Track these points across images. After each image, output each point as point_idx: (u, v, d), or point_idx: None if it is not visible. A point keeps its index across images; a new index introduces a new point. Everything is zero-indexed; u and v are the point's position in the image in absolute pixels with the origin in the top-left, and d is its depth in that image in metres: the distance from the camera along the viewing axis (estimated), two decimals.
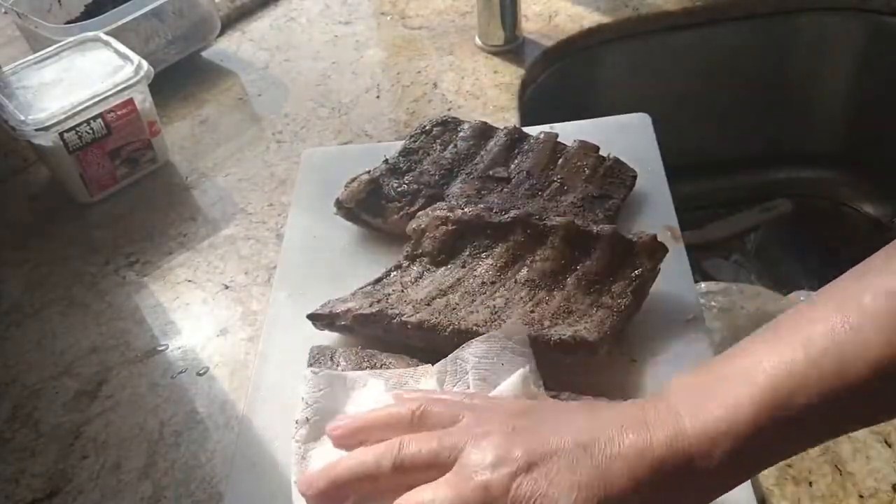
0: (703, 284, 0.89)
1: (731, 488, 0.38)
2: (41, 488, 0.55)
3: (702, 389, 0.39)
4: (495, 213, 0.58)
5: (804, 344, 0.37)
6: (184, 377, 0.60)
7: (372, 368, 0.51)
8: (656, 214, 0.63)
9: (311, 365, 0.53)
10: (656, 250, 0.55)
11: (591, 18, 0.94)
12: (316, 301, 0.58)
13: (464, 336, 0.50)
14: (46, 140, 0.71)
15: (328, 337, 0.56)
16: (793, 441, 0.38)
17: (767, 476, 0.49)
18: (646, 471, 0.37)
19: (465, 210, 0.58)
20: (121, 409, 0.59)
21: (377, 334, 0.53)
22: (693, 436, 0.37)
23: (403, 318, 0.52)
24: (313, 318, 0.55)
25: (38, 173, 0.83)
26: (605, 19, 0.93)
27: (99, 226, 0.75)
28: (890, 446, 0.50)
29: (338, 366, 0.52)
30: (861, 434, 0.51)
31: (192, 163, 0.81)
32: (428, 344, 0.51)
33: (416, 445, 0.41)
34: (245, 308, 0.65)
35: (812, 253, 1.04)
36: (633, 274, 0.54)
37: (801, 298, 0.85)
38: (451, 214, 0.58)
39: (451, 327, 0.51)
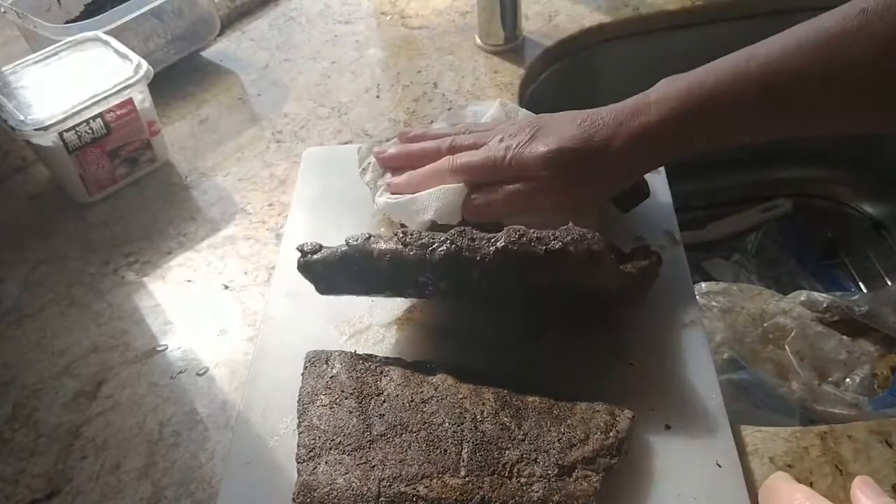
0: (703, 284, 0.89)
1: (676, 153, 0.56)
2: (41, 488, 0.55)
3: (677, 77, 0.55)
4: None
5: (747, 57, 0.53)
6: (183, 377, 0.60)
7: (369, 372, 0.51)
8: (656, 218, 0.63)
9: (306, 369, 0.53)
10: (651, 254, 0.56)
11: (591, 18, 0.94)
12: (314, 301, 0.58)
13: (459, 254, 0.49)
14: (46, 140, 0.71)
15: (324, 341, 0.56)
16: (719, 119, 0.53)
17: (767, 476, 0.49)
18: (614, 127, 0.55)
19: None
20: (120, 409, 0.59)
21: (365, 262, 0.51)
22: (653, 103, 0.54)
23: (401, 236, 0.51)
24: (301, 248, 0.54)
25: (37, 173, 0.83)
26: (605, 19, 0.93)
27: (98, 226, 0.75)
28: (890, 446, 0.50)
29: (333, 369, 0.52)
30: (861, 434, 0.51)
31: (191, 163, 0.81)
32: (417, 274, 0.50)
33: (464, 138, 0.62)
34: (245, 308, 0.65)
35: (812, 253, 1.04)
36: (633, 266, 0.54)
37: (802, 298, 0.86)
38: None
39: (448, 241, 0.50)
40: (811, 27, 0.52)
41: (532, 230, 0.50)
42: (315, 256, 0.53)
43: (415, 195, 0.60)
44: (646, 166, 0.58)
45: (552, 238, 0.50)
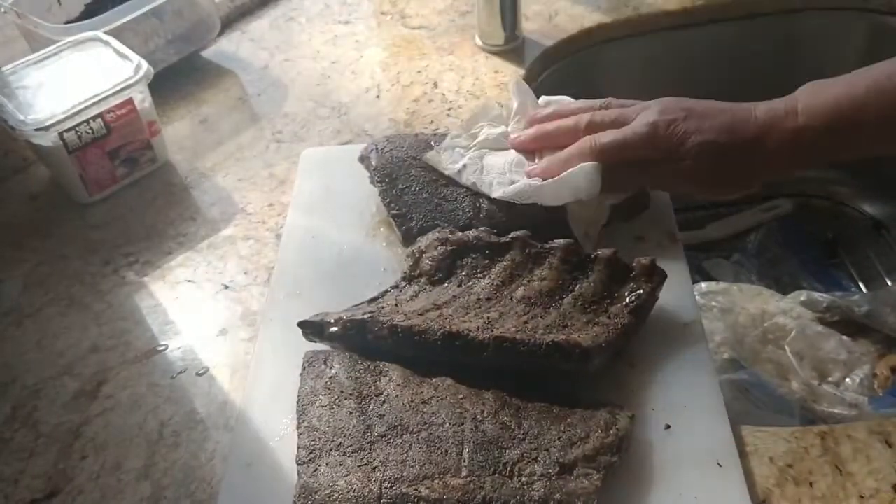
0: (703, 284, 0.89)
1: (820, 160, 0.58)
2: (41, 488, 0.55)
3: (822, 85, 0.57)
4: (494, 233, 0.58)
5: None
6: (183, 377, 0.60)
7: (368, 373, 0.51)
8: (656, 219, 0.63)
9: (304, 370, 0.52)
10: (654, 274, 0.54)
11: (591, 18, 0.94)
12: (313, 302, 0.58)
13: (454, 339, 0.50)
14: (46, 140, 0.71)
15: None
16: (865, 129, 0.55)
17: (768, 476, 0.49)
18: (759, 128, 0.56)
19: (465, 232, 0.58)
20: (120, 409, 0.59)
21: (366, 343, 0.52)
22: (801, 112, 0.55)
23: (394, 323, 0.51)
24: (303, 325, 0.55)
25: (37, 173, 0.83)
26: (605, 19, 0.93)
27: (98, 226, 0.75)
28: (890, 446, 0.50)
29: (332, 369, 0.52)
30: (862, 434, 0.51)
31: (191, 163, 0.81)
32: (417, 351, 0.51)
33: (604, 114, 0.61)
34: (245, 308, 0.65)
35: (812, 253, 1.04)
36: (630, 296, 0.53)
37: (802, 298, 0.86)
38: (450, 236, 0.58)
39: (441, 331, 0.50)
40: None
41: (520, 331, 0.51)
42: (316, 339, 0.55)
43: (558, 180, 0.59)
44: (790, 168, 0.59)
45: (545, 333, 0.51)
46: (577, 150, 0.60)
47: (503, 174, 0.63)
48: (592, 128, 0.61)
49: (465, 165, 0.64)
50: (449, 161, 0.64)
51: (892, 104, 0.54)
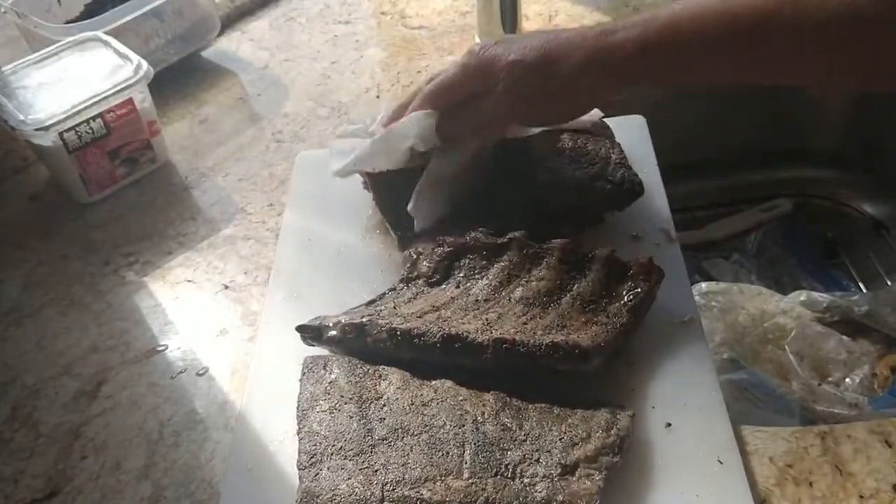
0: (703, 284, 0.89)
1: (641, 77, 0.55)
2: (41, 488, 0.55)
3: (640, 16, 0.54)
4: (492, 234, 0.58)
5: None
6: (183, 377, 0.60)
7: (367, 377, 0.51)
8: (652, 216, 0.63)
9: (303, 375, 0.52)
10: (652, 273, 0.54)
11: (591, 18, 0.94)
12: (311, 303, 0.58)
13: (454, 341, 0.49)
14: (46, 140, 0.71)
15: None
16: (683, 55, 0.52)
17: (768, 476, 0.49)
18: (578, 38, 0.54)
19: (462, 234, 0.58)
20: (120, 409, 0.59)
21: (365, 347, 0.52)
22: (618, 27, 0.54)
23: (393, 325, 0.51)
24: (301, 329, 0.54)
25: (37, 173, 0.83)
26: (605, 19, 0.93)
27: (98, 226, 0.75)
28: (890, 446, 0.50)
29: (331, 374, 0.52)
30: (861, 434, 0.51)
31: (191, 163, 0.81)
32: (417, 354, 0.51)
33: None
34: (245, 308, 0.65)
35: (812, 253, 1.04)
36: (629, 295, 0.53)
37: (802, 298, 0.86)
38: (447, 238, 0.58)
39: (440, 333, 0.50)
40: None
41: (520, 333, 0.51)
42: (314, 343, 0.54)
43: (385, 131, 0.60)
44: (600, 85, 0.56)
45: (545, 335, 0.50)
46: (407, 100, 0.61)
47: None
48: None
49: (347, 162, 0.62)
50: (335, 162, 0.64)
51: (712, 24, 0.51)
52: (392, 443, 0.47)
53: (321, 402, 0.50)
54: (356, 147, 0.62)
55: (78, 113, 0.71)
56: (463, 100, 0.58)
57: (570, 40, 0.55)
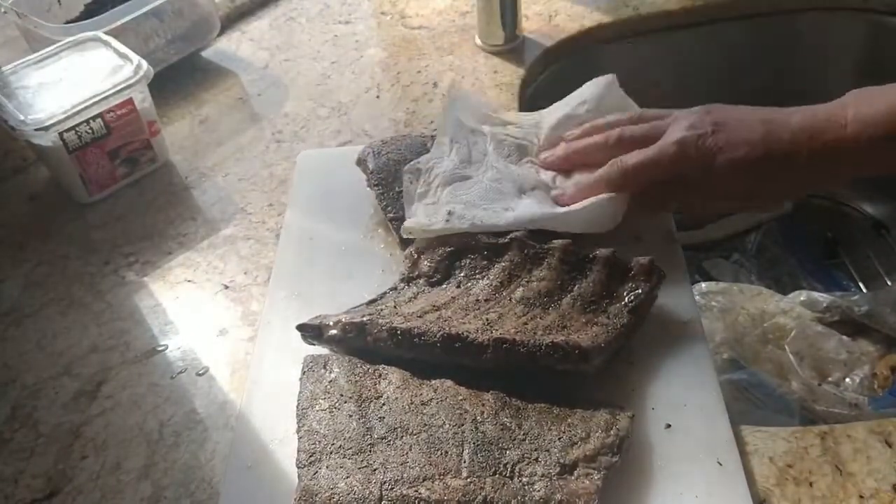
0: (703, 284, 0.89)
1: (864, 172, 0.55)
2: (41, 488, 0.55)
3: (871, 93, 0.53)
4: (492, 234, 0.58)
5: None
6: (183, 377, 0.60)
7: (367, 376, 0.51)
8: (653, 218, 0.63)
9: (303, 374, 0.52)
10: (653, 274, 0.54)
11: (591, 18, 0.94)
12: (312, 303, 0.58)
13: (454, 341, 0.50)
14: (46, 140, 0.71)
15: None
16: None
17: (768, 476, 0.49)
18: (805, 139, 0.53)
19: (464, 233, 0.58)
20: (120, 409, 0.59)
21: (365, 346, 0.52)
22: (851, 121, 0.52)
23: (393, 325, 0.51)
24: (302, 328, 0.54)
25: (37, 173, 0.83)
26: (605, 19, 0.93)
27: (98, 226, 0.75)
28: (890, 446, 0.50)
29: (331, 373, 0.52)
30: (861, 434, 0.51)
31: (191, 163, 0.81)
32: (417, 353, 0.51)
33: (634, 129, 0.59)
34: (245, 308, 0.65)
35: (812, 253, 1.04)
36: (629, 296, 0.53)
37: (802, 298, 0.86)
38: (448, 238, 0.58)
39: (441, 332, 0.50)
40: None
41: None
42: (315, 342, 0.54)
43: (579, 208, 0.58)
44: (829, 182, 0.59)
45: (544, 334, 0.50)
46: (605, 173, 0.58)
47: (489, 200, 0.60)
48: (623, 144, 0.59)
49: (449, 213, 0.59)
50: (426, 217, 0.60)
51: None
52: (391, 442, 0.47)
53: (321, 400, 0.50)
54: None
55: (78, 113, 0.71)
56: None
57: (792, 134, 0.53)
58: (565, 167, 0.63)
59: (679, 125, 0.56)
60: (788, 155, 0.53)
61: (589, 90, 0.66)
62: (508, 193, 0.61)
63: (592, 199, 0.58)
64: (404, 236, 0.60)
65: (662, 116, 0.60)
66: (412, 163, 0.63)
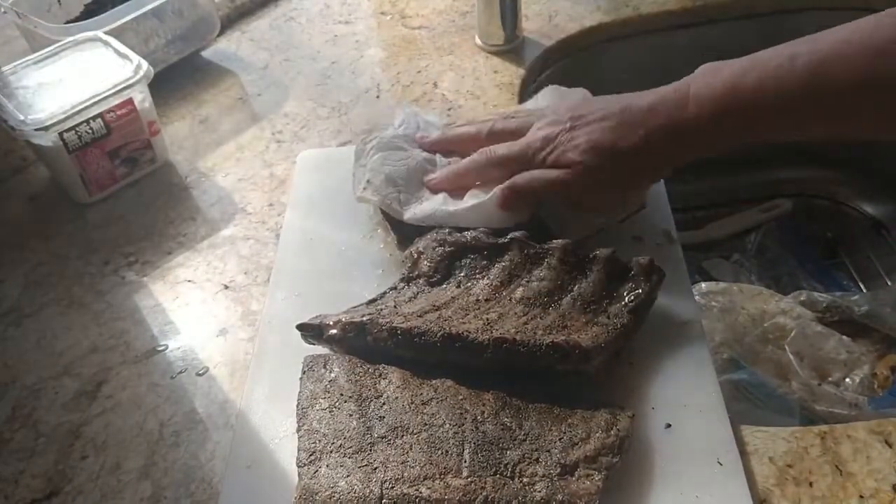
0: (703, 284, 0.89)
1: (713, 148, 0.55)
2: (41, 488, 0.55)
3: (717, 68, 0.54)
4: (492, 234, 0.58)
5: (791, 56, 0.50)
6: (183, 377, 0.60)
7: (367, 375, 0.51)
8: (653, 217, 0.63)
9: (304, 374, 0.52)
10: (653, 274, 0.54)
11: (591, 18, 0.94)
12: (312, 303, 0.58)
13: (454, 341, 0.50)
14: (46, 140, 0.71)
15: None
16: (761, 117, 0.52)
17: (768, 476, 0.49)
18: (652, 118, 0.54)
19: (463, 233, 0.58)
20: (120, 409, 0.59)
21: (365, 345, 0.52)
22: (692, 99, 0.53)
23: (393, 325, 0.51)
24: (302, 328, 0.54)
25: (37, 173, 0.83)
26: (605, 19, 0.93)
27: (98, 226, 0.75)
28: (890, 446, 0.50)
29: (331, 373, 0.52)
30: (861, 434, 0.51)
31: (191, 163, 0.81)
32: (417, 353, 0.51)
33: (506, 123, 0.63)
34: (245, 308, 0.65)
35: (812, 253, 1.04)
36: (629, 296, 0.53)
37: (802, 298, 0.86)
38: (448, 237, 0.58)
39: (441, 332, 0.50)
40: (856, 31, 0.50)
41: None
42: (315, 342, 0.55)
43: (454, 212, 0.60)
44: (677, 160, 0.57)
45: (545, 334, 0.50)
46: (472, 162, 0.61)
47: (410, 181, 0.63)
48: (493, 137, 0.62)
49: (368, 181, 0.63)
50: (359, 181, 0.64)
51: (792, 90, 0.50)
52: (391, 441, 0.47)
53: (321, 400, 0.50)
54: (386, 164, 0.64)
55: (78, 113, 0.71)
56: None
57: (642, 116, 0.55)
58: (437, 149, 0.66)
59: (542, 121, 0.59)
60: (635, 139, 0.54)
61: (550, 96, 0.69)
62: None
63: (474, 199, 0.60)
64: (357, 195, 0.64)
65: (532, 113, 0.63)
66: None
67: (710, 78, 0.53)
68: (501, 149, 0.60)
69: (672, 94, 0.54)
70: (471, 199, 0.61)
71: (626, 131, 0.55)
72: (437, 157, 0.66)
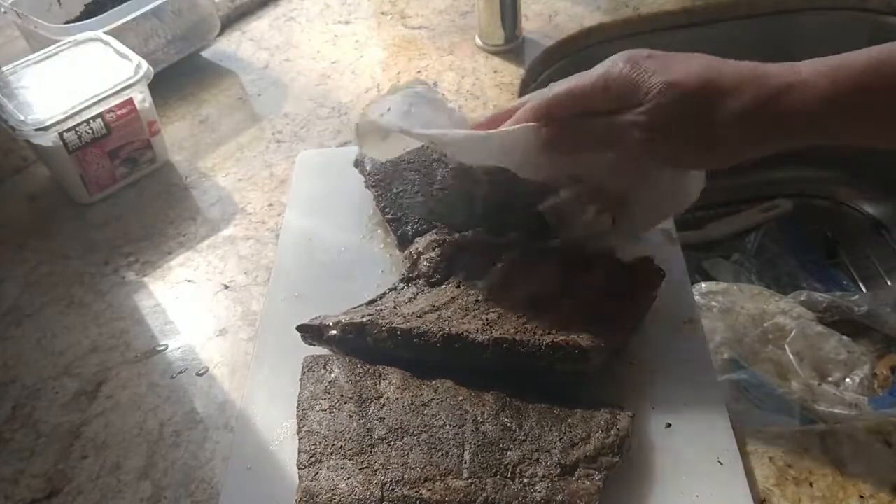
0: (703, 284, 0.89)
1: (806, 136, 0.46)
2: (41, 488, 0.55)
3: (820, 59, 0.44)
4: (492, 236, 0.58)
5: None
6: (183, 377, 0.60)
7: (367, 376, 0.51)
8: None
9: (304, 374, 0.52)
10: (653, 274, 0.54)
11: (591, 18, 0.94)
12: (311, 305, 0.58)
13: (454, 341, 0.50)
14: (46, 140, 0.71)
15: None
16: (880, 110, 0.44)
17: (768, 476, 0.49)
18: (750, 75, 0.44)
19: (463, 233, 0.58)
20: (120, 409, 0.59)
21: (365, 346, 0.52)
22: (803, 70, 0.44)
23: (393, 325, 0.51)
24: (302, 329, 0.54)
25: (37, 173, 0.83)
26: (605, 19, 0.93)
27: (98, 226, 0.75)
28: (890, 446, 0.50)
29: (331, 373, 0.52)
30: (861, 434, 0.51)
31: (191, 163, 0.81)
32: (417, 353, 0.51)
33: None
34: (245, 308, 0.65)
35: (812, 253, 1.04)
36: (629, 296, 0.53)
37: (802, 298, 0.86)
38: (447, 237, 0.58)
39: (441, 333, 0.50)
40: None
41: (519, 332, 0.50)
42: (314, 343, 0.54)
43: (487, 133, 0.50)
44: (764, 139, 0.46)
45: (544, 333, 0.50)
46: (528, 99, 0.51)
47: (430, 112, 0.56)
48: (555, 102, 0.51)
49: (389, 108, 0.56)
50: (372, 114, 0.57)
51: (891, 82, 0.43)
52: (392, 442, 0.47)
53: (321, 401, 0.50)
54: (413, 106, 0.56)
55: (78, 113, 0.71)
56: (588, 112, 0.48)
57: (741, 75, 0.45)
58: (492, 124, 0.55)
59: (612, 57, 0.48)
60: (727, 95, 0.44)
61: None
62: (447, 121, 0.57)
63: (508, 127, 0.50)
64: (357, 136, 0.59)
65: None
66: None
67: (822, 66, 0.44)
68: (556, 86, 0.49)
69: (777, 68, 0.45)
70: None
71: (716, 81, 0.45)
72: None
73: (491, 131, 0.51)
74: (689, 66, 0.45)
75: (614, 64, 0.47)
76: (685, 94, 0.45)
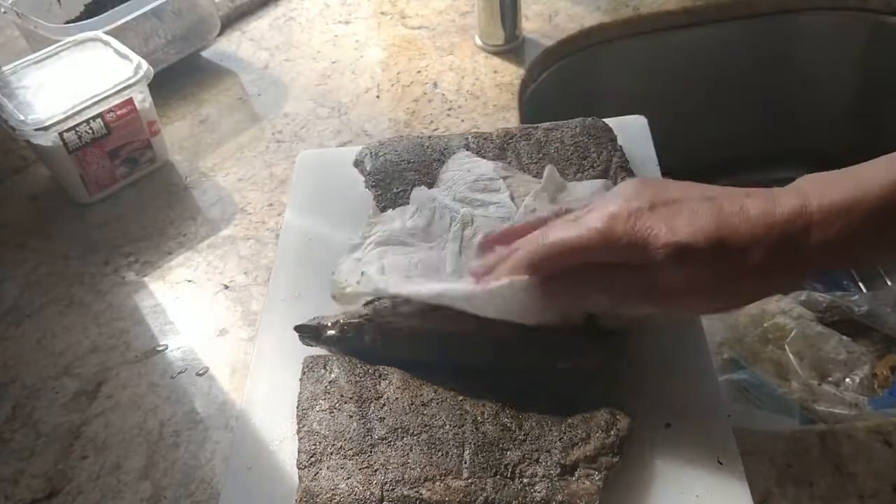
0: None
1: (829, 267, 0.43)
2: (41, 488, 0.55)
3: (830, 178, 0.42)
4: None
5: None
6: (183, 377, 0.60)
7: (367, 376, 0.51)
8: None
9: (303, 375, 0.52)
10: None
11: (591, 18, 0.94)
12: (311, 305, 0.58)
13: (453, 341, 0.49)
14: (46, 140, 0.71)
15: None
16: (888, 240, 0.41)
17: (768, 476, 0.49)
18: (763, 230, 0.41)
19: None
20: (120, 409, 0.59)
21: (364, 346, 0.52)
22: (816, 210, 0.41)
23: (392, 325, 0.51)
24: (300, 329, 0.54)
25: (37, 173, 0.83)
26: (605, 19, 0.93)
27: (98, 225, 0.75)
28: (890, 446, 0.50)
29: (331, 373, 0.52)
30: (861, 434, 0.51)
31: (191, 163, 0.81)
32: (416, 353, 0.51)
33: (575, 213, 0.48)
34: (245, 308, 0.65)
35: None
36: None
37: (802, 298, 0.86)
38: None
39: (440, 332, 0.50)
40: None
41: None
42: (313, 343, 0.54)
43: (486, 290, 0.47)
44: (790, 287, 0.47)
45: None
46: (522, 245, 0.48)
47: (414, 271, 0.54)
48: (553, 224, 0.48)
49: (362, 273, 0.54)
50: (344, 275, 0.56)
51: None
52: (392, 442, 0.47)
53: (321, 401, 0.50)
54: (383, 258, 0.54)
55: (78, 113, 0.71)
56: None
57: (753, 229, 0.41)
58: (496, 243, 0.52)
59: (612, 197, 0.45)
60: (743, 248, 0.41)
61: (587, 190, 0.58)
62: (440, 272, 0.54)
63: (501, 282, 0.47)
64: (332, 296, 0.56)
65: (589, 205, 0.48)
66: (370, 214, 0.60)
67: (825, 185, 0.42)
68: (556, 229, 0.46)
69: (789, 207, 0.42)
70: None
71: (727, 233, 0.41)
72: (448, 251, 0.55)
73: (482, 288, 0.47)
74: (694, 219, 0.42)
75: (613, 217, 0.43)
76: (696, 256, 0.41)
